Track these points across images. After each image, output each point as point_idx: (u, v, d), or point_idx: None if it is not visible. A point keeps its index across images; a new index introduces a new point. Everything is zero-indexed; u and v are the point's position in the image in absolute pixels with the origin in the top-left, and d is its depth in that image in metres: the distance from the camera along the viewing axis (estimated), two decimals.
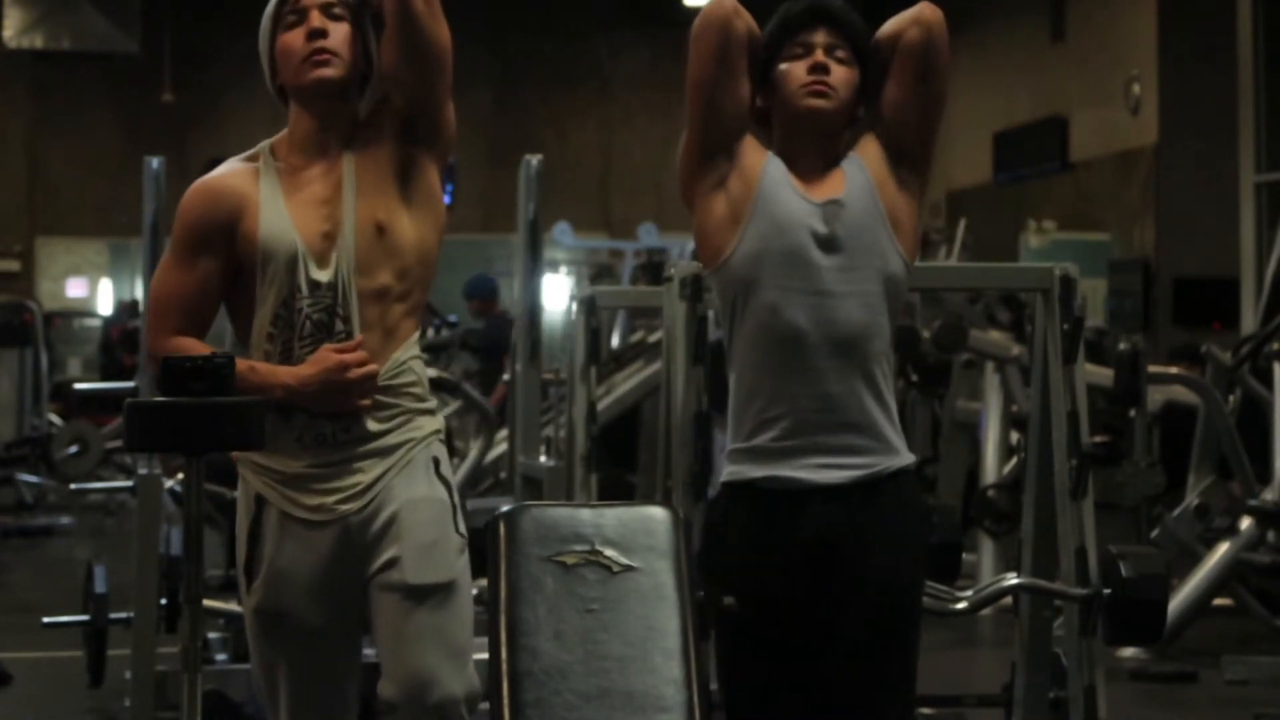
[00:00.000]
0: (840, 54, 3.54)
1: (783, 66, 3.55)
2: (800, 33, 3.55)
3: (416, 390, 3.50)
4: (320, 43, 3.47)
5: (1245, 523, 7.85)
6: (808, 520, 3.48)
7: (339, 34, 3.49)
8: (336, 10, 3.50)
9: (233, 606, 6.11)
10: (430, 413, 3.52)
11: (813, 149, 3.56)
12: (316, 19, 3.48)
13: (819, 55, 3.53)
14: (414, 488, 3.45)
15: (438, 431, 3.52)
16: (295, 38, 3.50)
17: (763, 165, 3.54)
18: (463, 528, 3.52)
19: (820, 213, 3.49)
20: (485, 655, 3.49)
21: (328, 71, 3.48)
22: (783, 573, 3.49)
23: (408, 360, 3.50)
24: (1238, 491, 8.24)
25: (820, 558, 3.48)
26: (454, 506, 3.49)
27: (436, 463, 3.49)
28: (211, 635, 6.65)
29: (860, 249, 3.48)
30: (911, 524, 3.50)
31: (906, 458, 3.52)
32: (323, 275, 3.44)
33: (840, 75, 3.53)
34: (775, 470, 3.48)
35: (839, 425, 3.46)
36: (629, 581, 3.56)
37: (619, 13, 20.42)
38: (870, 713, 3.48)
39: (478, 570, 3.55)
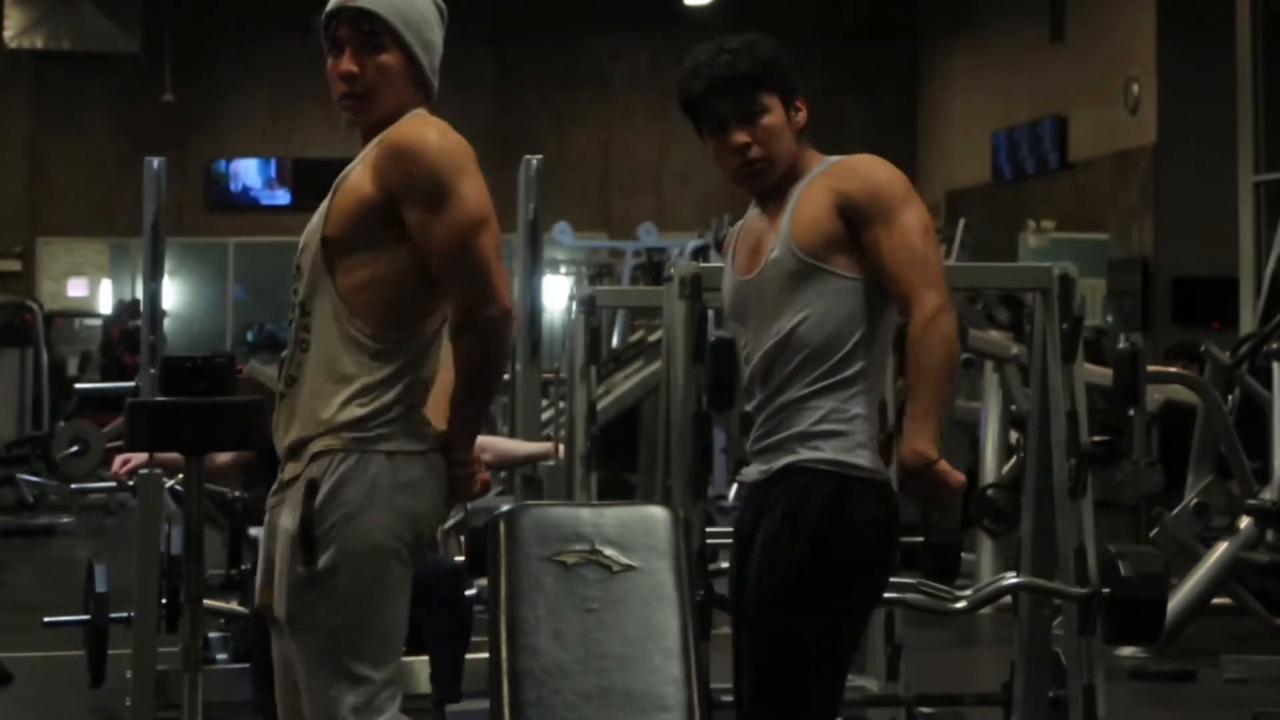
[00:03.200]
0: (754, 108, 3.57)
1: (710, 144, 3.63)
2: (707, 109, 3.61)
3: None
4: (349, 88, 3.41)
5: (1244, 522, 7.85)
6: (739, 515, 3.69)
7: (372, 72, 3.40)
8: (378, 41, 3.41)
9: (233, 606, 6.12)
10: None
11: (766, 193, 3.63)
12: (347, 61, 3.40)
13: (735, 136, 3.57)
14: None
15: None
16: (332, 71, 3.44)
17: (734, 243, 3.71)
18: None
19: (753, 276, 3.59)
20: (485, 654, 3.50)
21: (354, 118, 3.44)
22: (735, 565, 3.63)
23: None
24: (1237, 491, 8.25)
25: (739, 552, 3.63)
26: None
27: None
28: (211, 635, 6.65)
29: (774, 274, 3.56)
30: (801, 515, 3.49)
31: (809, 454, 3.51)
32: None
33: (764, 133, 3.57)
34: (745, 470, 3.66)
35: (775, 427, 3.55)
36: (629, 581, 3.56)
37: (619, 13, 20.41)
38: (766, 710, 3.49)
39: (478, 570, 3.56)
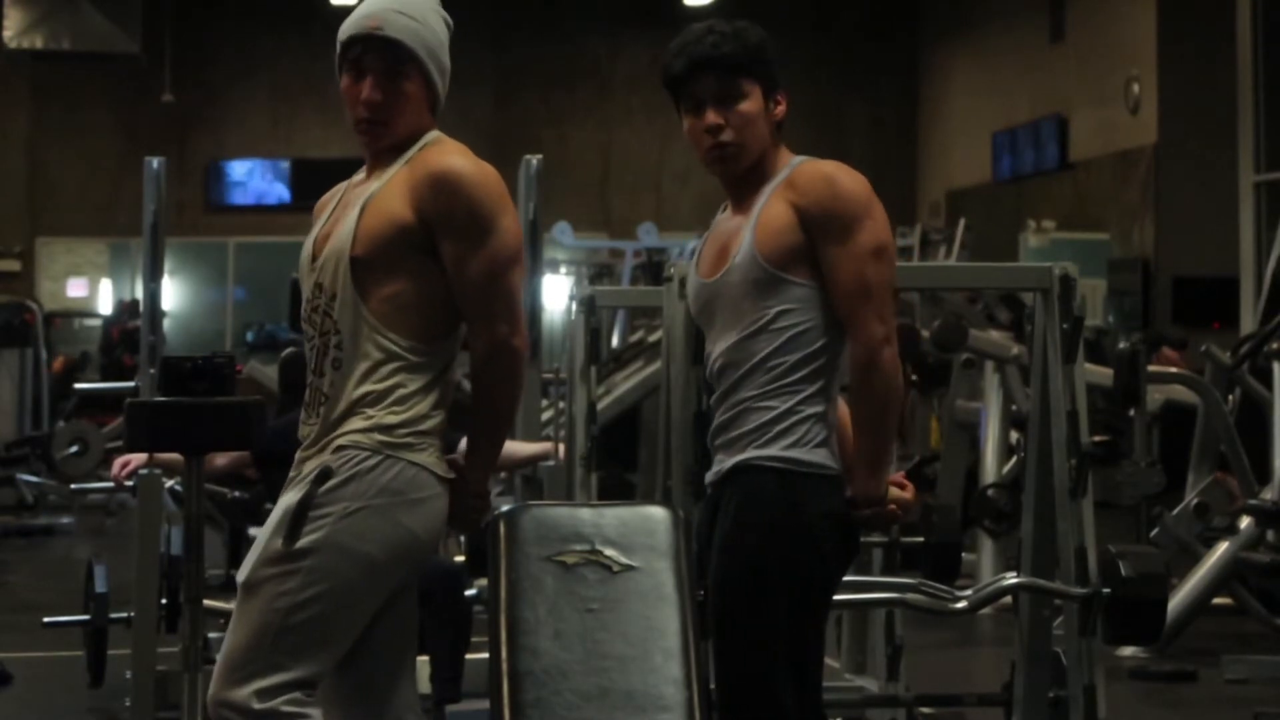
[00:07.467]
0: (734, 92, 3.56)
1: (685, 122, 3.62)
2: (687, 88, 3.59)
3: None
4: (370, 115, 3.44)
5: (1244, 522, 7.86)
6: (698, 517, 3.71)
7: (395, 99, 3.43)
8: (401, 69, 3.43)
9: (233, 606, 6.11)
10: None
11: (736, 184, 3.61)
12: (370, 90, 3.43)
13: (710, 116, 3.55)
14: None
15: None
16: (350, 93, 3.46)
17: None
18: None
19: (716, 279, 3.57)
20: (485, 654, 3.50)
21: (370, 141, 3.47)
22: (697, 567, 3.66)
23: None
24: (1237, 491, 8.25)
25: (699, 554, 3.64)
26: None
27: None
28: (211, 635, 6.65)
29: (738, 279, 3.54)
30: (752, 513, 3.49)
31: (757, 452, 3.51)
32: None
33: (739, 119, 3.55)
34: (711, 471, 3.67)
35: (730, 425, 3.55)
36: (629, 581, 3.56)
37: (619, 13, 20.42)
38: (739, 709, 3.49)
39: (478, 570, 3.56)
